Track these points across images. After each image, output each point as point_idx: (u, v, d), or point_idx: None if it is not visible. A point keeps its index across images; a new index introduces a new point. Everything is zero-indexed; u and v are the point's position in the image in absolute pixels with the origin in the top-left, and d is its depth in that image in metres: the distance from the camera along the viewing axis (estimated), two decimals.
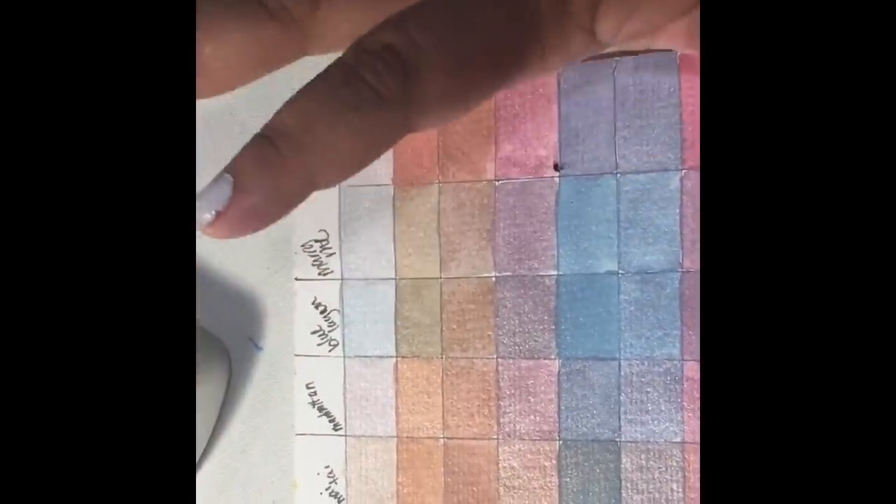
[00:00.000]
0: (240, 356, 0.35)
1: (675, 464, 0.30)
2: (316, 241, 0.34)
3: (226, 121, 0.35)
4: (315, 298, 0.34)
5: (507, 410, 0.32)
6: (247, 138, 0.34)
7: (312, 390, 0.34)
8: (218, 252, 0.35)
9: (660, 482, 0.30)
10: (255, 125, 0.35)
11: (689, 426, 0.30)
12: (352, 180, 0.33)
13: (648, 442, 0.30)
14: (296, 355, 0.34)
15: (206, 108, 0.35)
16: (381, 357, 0.33)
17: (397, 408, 0.33)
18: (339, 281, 0.34)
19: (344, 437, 0.34)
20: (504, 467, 0.32)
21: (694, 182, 0.30)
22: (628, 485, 0.30)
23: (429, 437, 0.33)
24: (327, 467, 0.34)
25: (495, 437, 0.32)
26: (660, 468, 0.30)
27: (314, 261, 0.34)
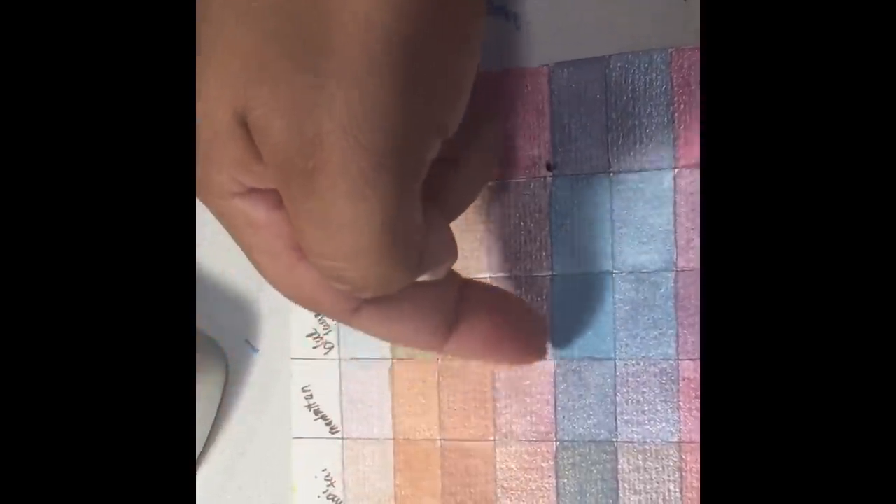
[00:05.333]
0: (236, 359, 0.35)
1: (671, 464, 0.30)
2: None
3: None
4: None
5: (504, 412, 0.32)
6: None
7: (308, 393, 0.34)
8: (213, 255, 0.35)
9: (657, 482, 0.30)
10: None
11: (685, 426, 0.30)
12: None
13: (645, 442, 0.30)
14: (291, 359, 0.34)
15: None
16: (376, 359, 0.33)
17: (393, 410, 0.33)
18: None
19: (341, 440, 0.34)
20: (501, 469, 0.32)
21: (687, 180, 0.30)
22: (625, 485, 0.30)
23: (425, 439, 0.33)
24: (324, 470, 0.34)
25: (492, 438, 0.32)
26: (657, 468, 0.30)
27: None
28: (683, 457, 0.30)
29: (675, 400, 0.30)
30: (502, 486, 0.32)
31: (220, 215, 0.25)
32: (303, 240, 0.23)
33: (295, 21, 0.21)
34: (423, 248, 0.24)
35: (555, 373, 0.31)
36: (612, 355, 0.31)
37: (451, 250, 0.26)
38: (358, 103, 0.21)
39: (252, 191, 0.23)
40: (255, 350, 0.35)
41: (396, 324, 0.26)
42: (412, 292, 0.25)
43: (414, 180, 0.23)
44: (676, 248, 0.30)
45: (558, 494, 0.31)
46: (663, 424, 0.30)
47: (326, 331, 0.34)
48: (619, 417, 0.30)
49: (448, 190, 0.27)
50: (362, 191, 0.21)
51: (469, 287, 0.28)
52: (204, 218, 0.35)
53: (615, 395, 0.31)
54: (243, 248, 0.25)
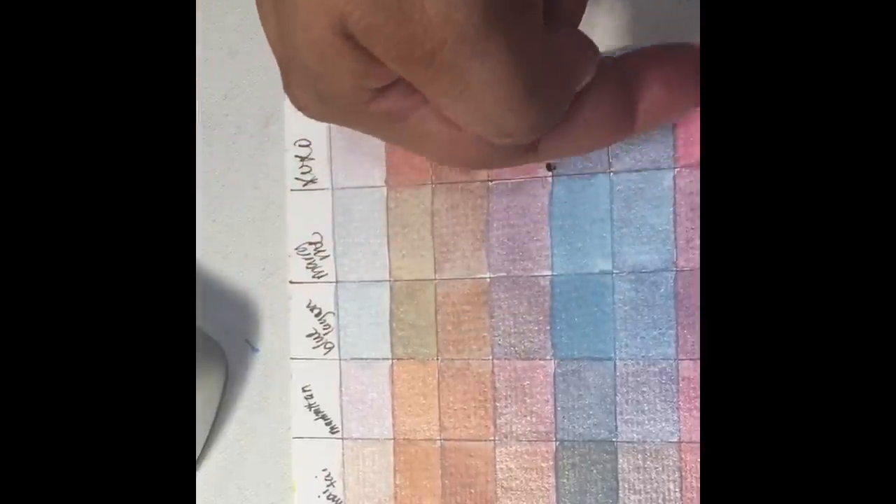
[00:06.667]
0: (236, 359, 0.35)
1: (671, 463, 0.30)
2: (310, 243, 0.34)
3: (224, 122, 0.35)
4: (310, 301, 0.34)
5: (504, 412, 0.32)
6: (244, 139, 0.34)
7: (309, 393, 0.34)
8: (213, 255, 0.35)
9: (657, 482, 0.30)
10: (252, 127, 0.35)
11: (685, 426, 0.30)
12: (344, 182, 0.33)
13: (645, 442, 0.30)
14: (291, 359, 0.34)
15: (206, 110, 0.35)
16: (376, 359, 0.33)
17: (394, 410, 0.33)
18: (334, 283, 0.34)
19: (341, 440, 0.34)
20: (501, 469, 0.32)
21: (687, 180, 0.30)
22: (625, 485, 0.30)
23: (425, 440, 0.33)
24: (325, 470, 0.34)
25: (492, 438, 0.32)
26: (657, 468, 0.30)
27: (308, 263, 0.34)
28: (683, 456, 0.30)
29: (675, 399, 0.30)
30: (502, 486, 0.32)
31: (364, 126, 0.25)
32: (449, 113, 0.23)
33: None
34: (565, 69, 0.24)
35: (555, 373, 0.31)
36: (612, 355, 0.31)
37: (590, 50, 0.25)
38: None
39: (382, 89, 0.23)
40: (256, 350, 0.35)
41: (580, 137, 0.26)
42: (576, 104, 0.25)
43: (530, 18, 0.22)
44: (676, 248, 0.30)
45: (558, 494, 0.31)
46: (663, 424, 0.30)
47: (326, 331, 0.34)
48: (618, 417, 0.30)
49: None
50: (486, 49, 0.21)
51: (624, 61, 0.27)
52: (204, 217, 0.35)
53: (615, 394, 0.31)
54: (403, 145, 0.25)
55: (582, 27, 0.26)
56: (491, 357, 0.32)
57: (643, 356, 0.30)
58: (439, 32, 0.21)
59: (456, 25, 0.21)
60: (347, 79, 0.23)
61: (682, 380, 0.30)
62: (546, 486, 0.31)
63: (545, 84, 0.23)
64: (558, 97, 0.24)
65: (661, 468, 0.30)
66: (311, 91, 0.24)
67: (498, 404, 0.32)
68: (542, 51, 0.22)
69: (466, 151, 0.25)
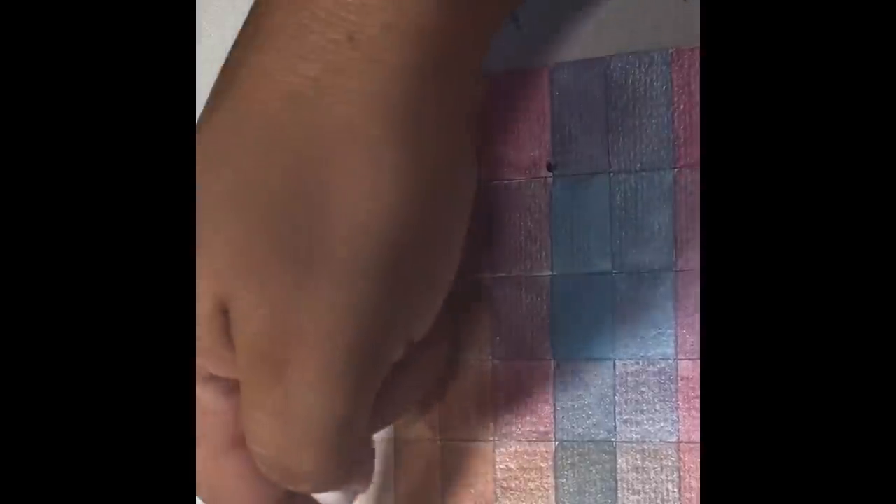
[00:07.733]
0: None
1: (670, 464, 0.30)
2: None
3: None
4: None
5: (503, 412, 0.32)
6: None
7: None
8: None
9: (656, 482, 0.30)
10: None
11: (684, 426, 0.30)
12: None
13: (644, 442, 0.30)
14: None
15: None
16: None
17: None
18: None
19: None
20: (500, 469, 0.32)
21: (687, 180, 0.30)
22: (624, 485, 0.30)
23: (425, 440, 0.33)
24: None
25: (492, 438, 0.32)
26: (655, 468, 0.30)
27: None
28: (682, 457, 0.30)
29: (674, 400, 0.30)
30: (501, 486, 0.32)
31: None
32: (254, 428, 0.23)
33: (289, 219, 0.22)
34: (361, 452, 0.25)
35: (554, 373, 0.31)
36: (611, 355, 0.31)
37: (372, 462, 0.29)
38: (342, 306, 0.22)
39: (210, 378, 0.24)
40: None
41: None
42: None
43: (376, 381, 0.24)
44: (676, 248, 0.30)
45: (557, 494, 0.31)
46: (662, 424, 0.30)
47: None
48: (617, 417, 0.30)
49: (392, 391, 0.27)
50: (329, 386, 0.22)
51: None
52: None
53: (614, 394, 0.31)
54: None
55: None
56: (491, 357, 0.32)
57: (642, 356, 0.30)
58: (301, 350, 0.22)
59: (317, 353, 0.22)
60: (198, 349, 0.23)
61: (682, 380, 0.30)
62: (545, 486, 0.31)
63: (349, 449, 0.24)
64: (343, 472, 0.25)
65: (659, 468, 0.30)
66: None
67: (497, 404, 0.32)
68: (364, 421, 0.24)
69: (222, 476, 0.25)
